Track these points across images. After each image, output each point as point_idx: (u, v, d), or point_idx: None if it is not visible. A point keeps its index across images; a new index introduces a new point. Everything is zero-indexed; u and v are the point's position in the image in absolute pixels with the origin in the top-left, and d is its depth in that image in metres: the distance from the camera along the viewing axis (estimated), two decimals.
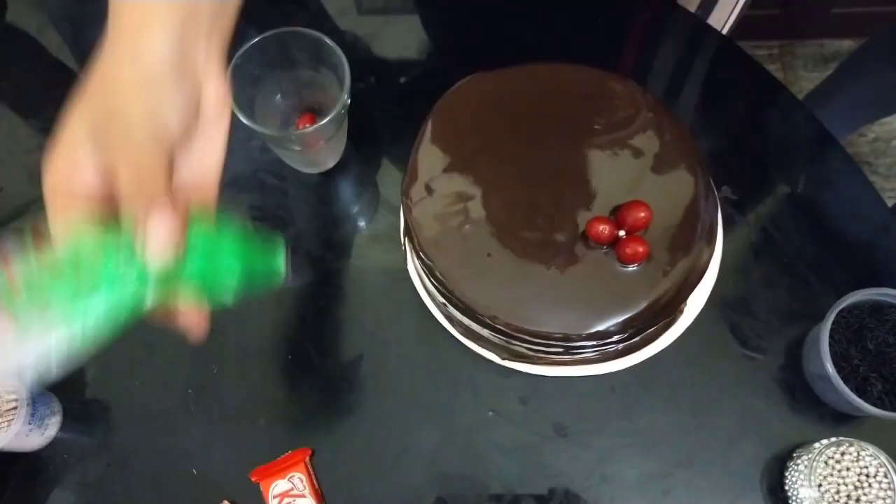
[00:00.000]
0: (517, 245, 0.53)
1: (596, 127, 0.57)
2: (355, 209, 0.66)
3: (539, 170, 0.55)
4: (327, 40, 0.56)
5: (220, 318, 0.61)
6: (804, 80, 1.52)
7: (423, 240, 0.54)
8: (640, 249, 0.52)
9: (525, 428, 0.57)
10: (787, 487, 0.54)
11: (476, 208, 0.54)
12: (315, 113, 0.62)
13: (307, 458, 0.56)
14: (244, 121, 0.54)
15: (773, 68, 1.54)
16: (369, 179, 0.66)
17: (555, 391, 0.58)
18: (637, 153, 0.56)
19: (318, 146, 0.60)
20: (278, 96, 0.62)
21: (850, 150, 1.47)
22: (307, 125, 0.58)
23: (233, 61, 0.56)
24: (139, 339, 0.61)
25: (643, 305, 0.53)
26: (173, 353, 0.60)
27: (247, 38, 0.57)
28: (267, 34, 0.57)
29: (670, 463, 0.56)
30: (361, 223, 0.65)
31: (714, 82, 0.69)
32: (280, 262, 0.34)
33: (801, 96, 1.29)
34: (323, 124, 0.55)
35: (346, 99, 0.56)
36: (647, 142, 0.57)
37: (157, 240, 0.30)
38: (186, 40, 0.33)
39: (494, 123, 0.57)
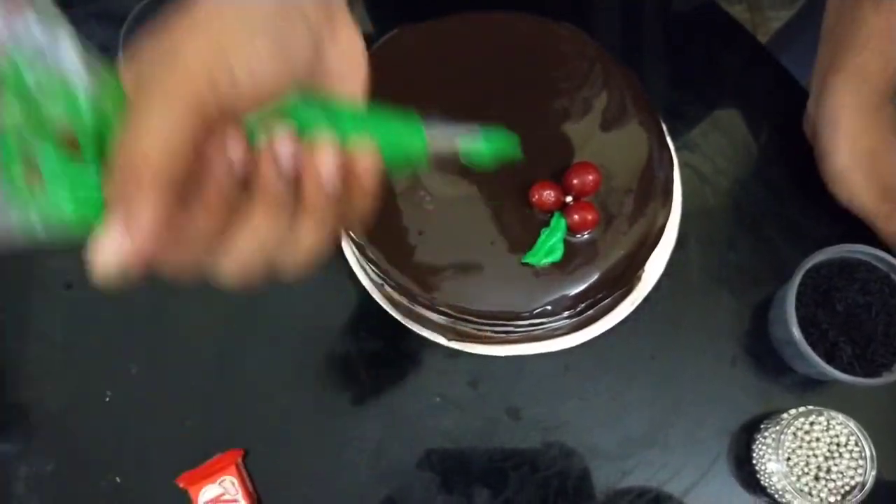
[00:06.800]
0: (454, 219, 0.48)
1: (538, 82, 0.51)
2: None
3: None
4: None
5: (135, 310, 0.56)
6: (773, 21, 1.46)
7: None
8: (590, 217, 0.47)
9: (476, 413, 0.53)
10: (754, 461, 0.51)
11: (406, 180, 0.49)
12: None
13: (239, 460, 0.52)
14: None
15: (740, 9, 1.48)
16: None
17: (506, 372, 0.54)
18: (584, 109, 0.51)
19: None
20: None
21: None
22: None
23: (130, 16, 0.50)
24: (52, 339, 0.55)
25: (595, 277, 0.48)
26: (86, 353, 0.55)
27: None
28: None
29: (631, 441, 0.52)
30: None
31: (668, 25, 0.63)
32: (424, 136, 0.29)
33: (768, 37, 1.23)
34: None
35: None
36: (595, 95, 0.51)
37: (106, 250, 0.22)
38: None
39: (423, 85, 0.51)
